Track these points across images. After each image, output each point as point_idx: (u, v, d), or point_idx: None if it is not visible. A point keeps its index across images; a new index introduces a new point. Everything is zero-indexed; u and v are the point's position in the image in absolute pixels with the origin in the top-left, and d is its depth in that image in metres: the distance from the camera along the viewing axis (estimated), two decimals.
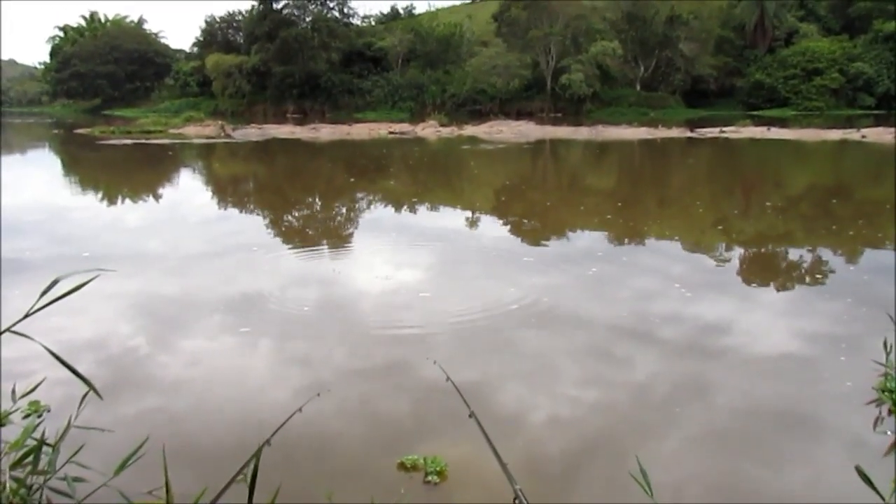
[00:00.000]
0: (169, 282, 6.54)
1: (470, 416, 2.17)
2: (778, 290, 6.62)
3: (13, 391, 2.87)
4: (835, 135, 27.00)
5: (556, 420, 3.70)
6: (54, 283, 1.66)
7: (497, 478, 2.76)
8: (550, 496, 2.96)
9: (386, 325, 5.23)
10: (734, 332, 5.14)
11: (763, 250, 8.50)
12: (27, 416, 3.49)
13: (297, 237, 9.25)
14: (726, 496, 3.03)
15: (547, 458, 3.27)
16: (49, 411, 3.54)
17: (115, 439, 2.99)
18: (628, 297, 6.02)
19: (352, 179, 16.49)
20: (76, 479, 2.62)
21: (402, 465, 3.12)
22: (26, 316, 1.61)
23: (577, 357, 4.66)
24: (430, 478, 3.00)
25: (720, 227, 9.65)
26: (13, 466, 2.52)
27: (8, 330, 1.60)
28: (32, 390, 2.88)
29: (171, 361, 4.59)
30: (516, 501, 1.63)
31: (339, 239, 9.12)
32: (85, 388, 2.57)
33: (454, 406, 3.43)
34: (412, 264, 7.37)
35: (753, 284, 6.88)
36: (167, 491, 1.20)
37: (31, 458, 2.57)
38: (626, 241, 8.73)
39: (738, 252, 8.40)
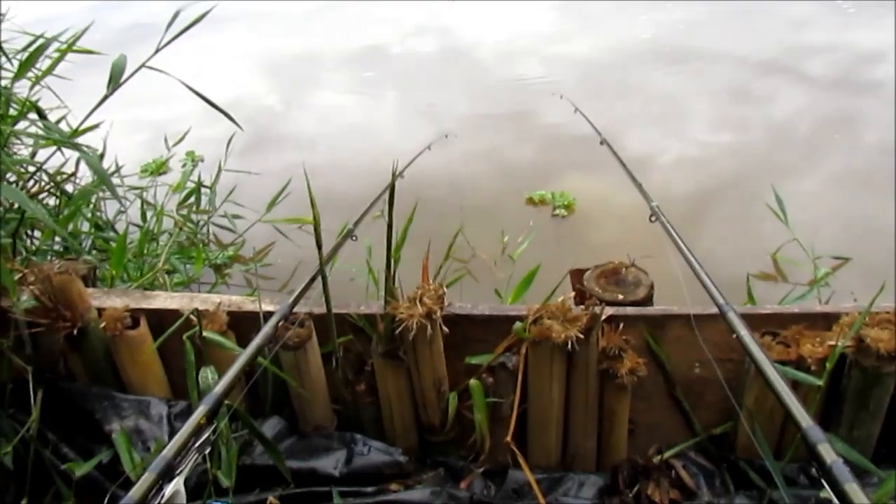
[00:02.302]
0: (292, 40, 6.50)
1: (601, 143, 2.09)
2: None
3: (165, 140, 3.12)
4: None
5: (687, 161, 3.54)
6: (176, 14, 1.66)
7: (626, 210, 2.73)
8: (682, 234, 2.91)
9: (508, 72, 5.02)
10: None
11: None
12: (185, 165, 3.81)
13: None
14: (865, 236, 2.86)
15: (678, 198, 3.18)
16: (203, 161, 3.83)
17: (263, 187, 3.20)
18: (773, 27, 5.31)
19: None
20: (235, 216, 2.93)
21: (530, 200, 3.17)
22: (157, 51, 1.64)
23: (713, 97, 4.30)
24: (558, 211, 3.05)
25: None
26: (178, 206, 2.83)
27: (143, 66, 1.64)
28: (183, 138, 3.13)
29: (305, 117, 4.74)
30: (652, 218, 1.59)
31: None
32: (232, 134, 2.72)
33: (582, 150, 3.36)
34: (533, 5, 6.81)
35: None
36: (312, 206, 1.25)
37: (192, 199, 2.88)
38: None
39: None
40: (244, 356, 1.06)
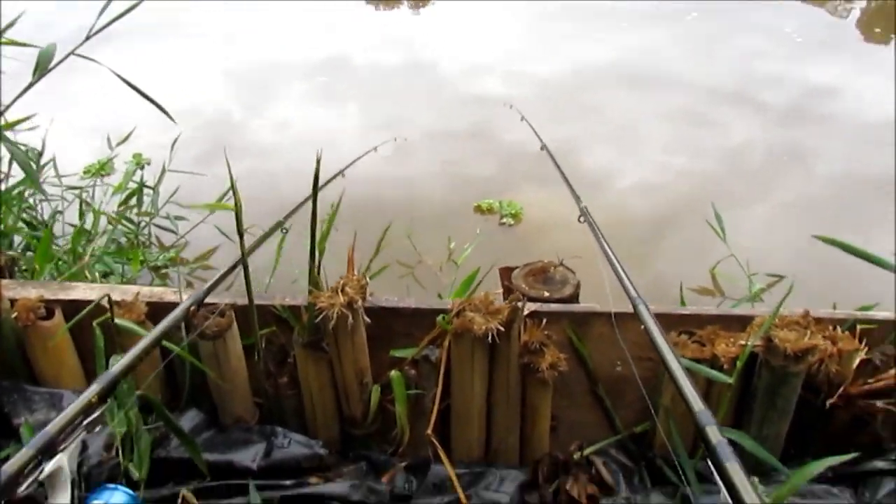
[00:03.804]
0: (255, 49, 6.48)
1: (542, 148, 2.13)
2: None
3: (108, 140, 3.08)
4: None
5: (643, 185, 3.61)
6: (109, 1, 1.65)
7: (572, 220, 2.78)
8: (634, 255, 2.95)
9: (469, 87, 5.08)
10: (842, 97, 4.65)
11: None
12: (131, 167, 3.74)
13: None
14: (814, 263, 2.95)
15: (633, 221, 3.25)
16: (149, 164, 3.78)
17: (215, 194, 3.16)
18: (730, 56, 5.48)
19: None
20: (178, 218, 2.90)
21: (478, 208, 3.21)
22: (87, 38, 1.63)
23: (670, 120, 4.41)
24: (505, 220, 3.09)
25: None
26: (119, 207, 2.79)
27: (72, 53, 1.63)
28: (127, 137, 3.09)
29: (264, 126, 4.72)
30: (581, 219, 1.61)
31: None
32: (179, 137, 2.70)
33: (536, 165, 3.41)
34: (498, 21, 6.90)
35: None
36: (234, 192, 1.24)
37: (134, 201, 2.84)
38: None
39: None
40: (149, 337, 1.04)
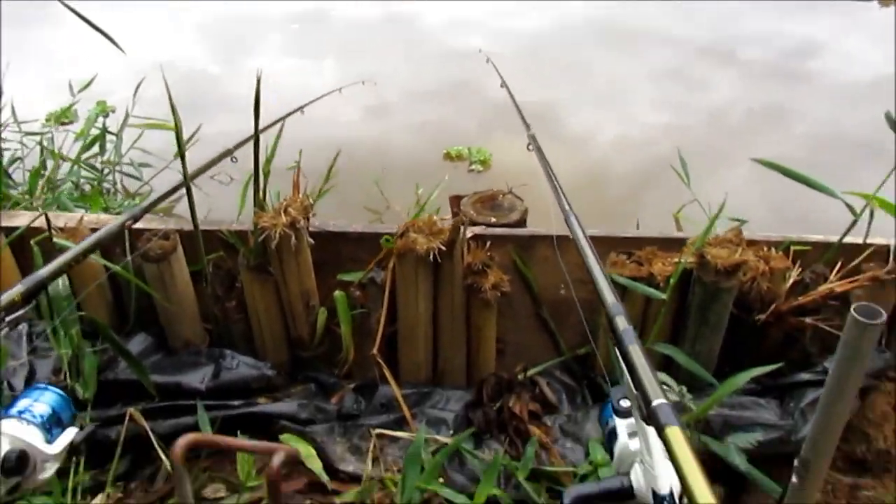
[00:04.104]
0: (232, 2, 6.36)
1: (501, 86, 2.13)
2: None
3: (70, 85, 3.04)
4: None
5: (625, 142, 3.61)
6: None
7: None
8: (618, 212, 2.96)
9: (451, 42, 5.02)
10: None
11: None
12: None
13: None
14: (791, 219, 2.98)
15: (616, 177, 3.25)
16: (114, 111, 3.72)
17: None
18: (715, 13, 5.45)
19: None
20: (143, 165, 2.88)
21: (447, 156, 3.21)
22: None
23: (653, 77, 4.39)
24: (474, 166, 3.09)
25: None
26: (82, 153, 2.77)
27: None
28: (90, 83, 3.05)
29: (240, 81, 4.66)
30: (530, 147, 1.63)
31: None
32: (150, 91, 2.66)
33: (514, 117, 3.41)
34: None
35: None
36: (173, 111, 1.24)
37: (98, 148, 2.81)
38: None
39: None
40: (80, 246, 1.05)
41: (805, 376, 1.32)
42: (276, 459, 0.63)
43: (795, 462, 1.01)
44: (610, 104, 4.15)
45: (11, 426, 0.87)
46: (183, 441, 0.67)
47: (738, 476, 1.27)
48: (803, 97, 4.21)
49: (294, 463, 0.66)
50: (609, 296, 0.93)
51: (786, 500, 1.07)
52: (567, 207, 1.22)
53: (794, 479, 1.03)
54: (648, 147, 3.63)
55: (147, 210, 1.27)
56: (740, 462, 1.20)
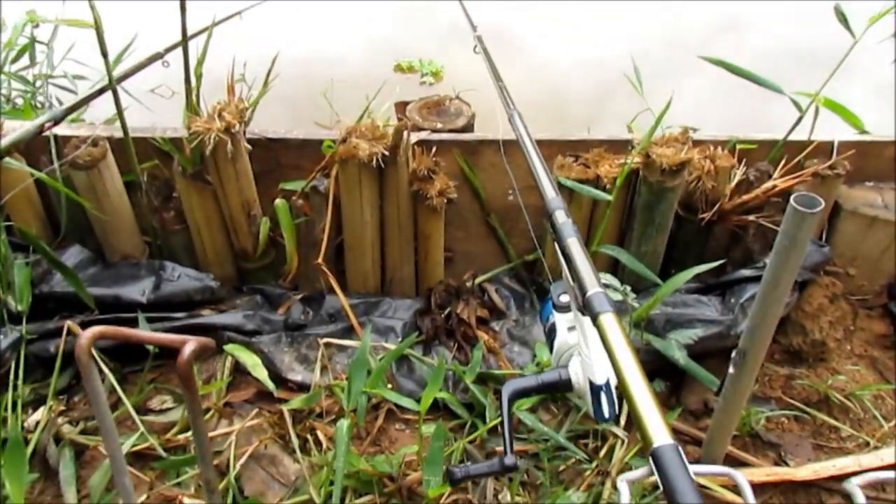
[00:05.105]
0: None
1: None
2: None
3: None
4: None
5: (586, 61, 3.55)
6: None
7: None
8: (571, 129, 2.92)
9: None
10: None
11: None
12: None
13: None
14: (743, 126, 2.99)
15: (578, 99, 3.20)
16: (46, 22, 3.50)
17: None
18: None
19: None
20: (77, 77, 2.72)
21: (398, 67, 3.11)
22: None
23: None
24: (425, 78, 3.01)
25: None
26: (10, 62, 2.60)
27: None
28: None
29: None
30: (476, 49, 1.57)
31: None
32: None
33: (465, 36, 3.30)
34: None
35: None
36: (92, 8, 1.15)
37: (28, 59, 2.64)
38: None
39: None
40: None
41: (746, 273, 1.35)
42: (187, 349, 0.61)
43: (733, 353, 1.03)
44: (566, 24, 4.06)
45: None
46: (88, 333, 0.64)
47: (680, 373, 1.31)
48: (761, 9, 4.18)
49: (207, 352, 0.64)
50: (549, 191, 0.91)
51: (723, 391, 1.11)
52: (511, 106, 1.18)
53: (731, 369, 1.06)
54: (606, 65, 3.58)
55: (69, 111, 1.20)
56: (680, 356, 1.23)
